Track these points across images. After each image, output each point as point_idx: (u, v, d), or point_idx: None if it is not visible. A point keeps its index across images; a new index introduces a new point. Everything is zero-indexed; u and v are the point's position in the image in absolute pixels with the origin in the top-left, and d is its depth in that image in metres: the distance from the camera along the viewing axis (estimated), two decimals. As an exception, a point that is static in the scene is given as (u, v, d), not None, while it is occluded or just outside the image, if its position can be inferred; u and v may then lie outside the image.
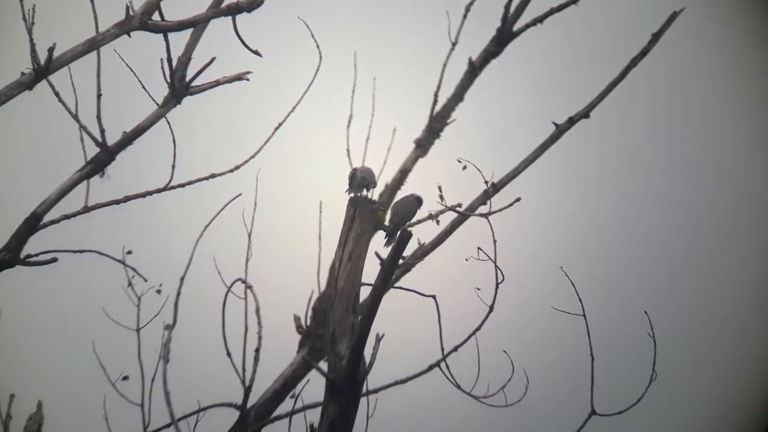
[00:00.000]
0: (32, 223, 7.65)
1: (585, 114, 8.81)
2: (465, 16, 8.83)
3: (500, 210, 7.74)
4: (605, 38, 9.58)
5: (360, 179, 6.95)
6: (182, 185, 7.98)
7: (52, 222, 7.73)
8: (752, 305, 8.99)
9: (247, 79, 8.18)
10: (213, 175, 8.04)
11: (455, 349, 7.27)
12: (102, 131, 7.86)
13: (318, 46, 8.14)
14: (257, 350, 6.54)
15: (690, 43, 9.43)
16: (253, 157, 8.03)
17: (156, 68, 7.92)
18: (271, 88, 8.58)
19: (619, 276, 9.17)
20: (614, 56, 8.94)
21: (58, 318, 8.43)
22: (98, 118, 7.86)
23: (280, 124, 8.10)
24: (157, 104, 8.01)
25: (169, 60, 7.90)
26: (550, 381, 7.99)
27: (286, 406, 8.25)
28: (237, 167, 8.04)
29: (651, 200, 9.67)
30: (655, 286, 9.13)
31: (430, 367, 7.46)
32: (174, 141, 7.94)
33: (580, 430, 7.37)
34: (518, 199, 7.83)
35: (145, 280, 7.49)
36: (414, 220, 8.30)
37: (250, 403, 6.64)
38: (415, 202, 7.97)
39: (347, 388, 6.48)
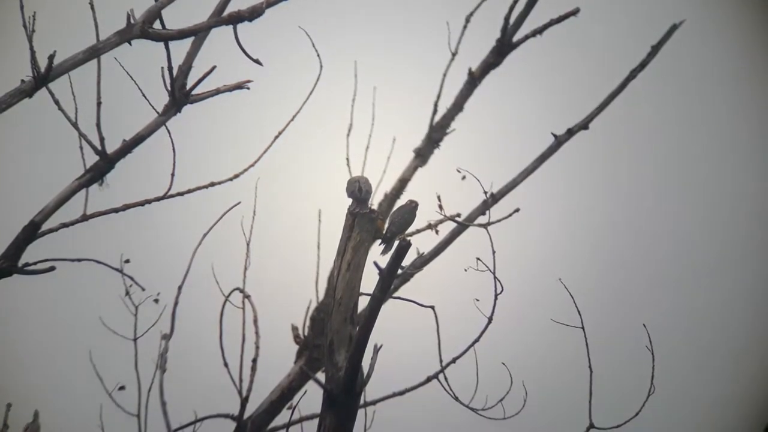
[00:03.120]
0: (30, 232, 7.63)
1: (584, 125, 8.83)
2: (465, 27, 8.85)
3: (499, 220, 7.74)
4: (605, 50, 9.59)
5: (365, 192, 6.95)
6: (181, 194, 7.96)
7: (51, 230, 7.70)
8: (752, 319, 8.99)
9: (248, 88, 8.17)
10: (212, 184, 8.02)
11: (454, 360, 7.25)
12: (101, 139, 7.85)
13: (318, 55, 8.14)
14: (254, 360, 6.51)
15: (690, 55, 9.45)
16: (252, 165, 8.01)
17: (156, 76, 7.91)
18: (272, 96, 8.59)
19: (618, 289, 9.17)
20: (614, 68, 8.96)
21: (55, 327, 8.42)
22: (98, 126, 7.84)
23: (279, 133, 8.09)
24: (157, 112, 8.00)
25: (170, 68, 7.89)
26: (548, 393, 7.98)
27: (283, 417, 8.25)
28: (236, 176, 8.02)
29: (651, 212, 9.68)
30: (654, 300, 9.13)
31: (429, 379, 7.44)
32: (173, 149, 7.93)
33: (578, 443, 7.36)
34: (517, 210, 7.83)
35: (143, 289, 7.48)
36: (413, 229, 8.30)
37: (246, 414, 6.60)
38: (413, 209, 7.97)
39: (345, 399, 6.46)
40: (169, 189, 7.93)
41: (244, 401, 6.53)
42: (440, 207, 7.49)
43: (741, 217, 9.45)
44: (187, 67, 8.07)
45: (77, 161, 7.85)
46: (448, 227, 8.53)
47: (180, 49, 8.01)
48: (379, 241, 8.05)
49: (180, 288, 6.62)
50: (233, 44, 7.84)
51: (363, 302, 6.76)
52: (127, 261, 7.66)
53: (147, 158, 8.03)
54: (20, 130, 8.35)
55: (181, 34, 7.81)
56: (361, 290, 6.73)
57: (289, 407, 8.05)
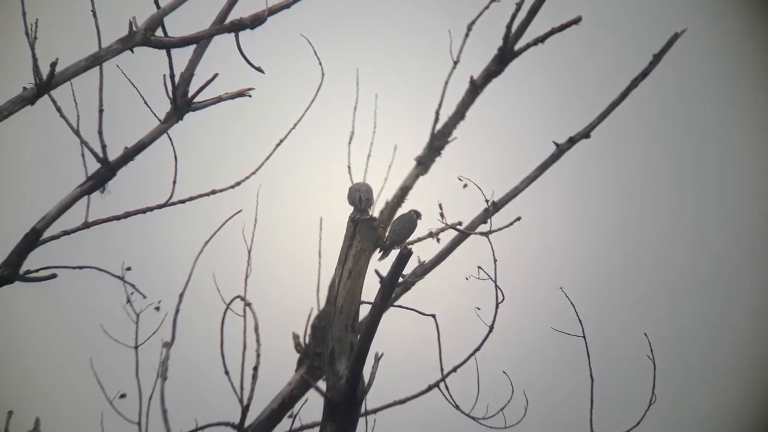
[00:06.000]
0: (32, 239, 7.63)
1: (585, 134, 8.83)
2: (467, 35, 8.85)
3: (501, 229, 7.75)
4: (606, 58, 9.61)
5: (365, 201, 6.97)
6: (183, 201, 7.97)
7: (52, 238, 7.71)
8: (752, 328, 8.98)
9: (250, 96, 8.19)
10: (213, 192, 8.03)
11: (455, 369, 7.25)
12: (103, 147, 7.86)
13: (320, 63, 8.16)
14: (255, 368, 6.51)
15: (692, 64, 9.46)
16: (254, 173, 8.02)
17: (158, 84, 7.93)
18: (273, 104, 8.60)
19: (620, 298, 9.17)
20: (615, 76, 8.96)
21: (56, 334, 8.43)
22: (100, 133, 7.85)
23: (281, 141, 8.10)
24: (159, 120, 8.01)
25: (172, 76, 7.90)
26: (549, 402, 7.97)
27: (284, 425, 8.24)
28: (238, 183, 8.04)
29: (652, 221, 9.68)
30: (655, 309, 9.13)
31: (430, 387, 7.44)
32: (175, 157, 7.95)
33: (578, 453, 7.35)
34: (519, 218, 7.84)
35: (144, 297, 7.48)
36: (414, 237, 8.30)
37: (247, 422, 6.60)
38: (413, 218, 7.97)
39: (346, 408, 6.46)
40: (171, 196, 7.94)
41: (245, 409, 6.53)
42: (441, 215, 7.50)
43: (742, 226, 9.45)
44: (189, 74, 8.08)
45: (79, 168, 7.87)
46: (449, 235, 8.53)
47: (182, 56, 8.04)
48: (380, 248, 8.06)
49: (181, 296, 6.62)
50: (235, 52, 7.86)
51: (364, 310, 6.76)
52: (129, 268, 7.67)
53: (148, 166, 8.05)
54: (22, 138, 8.36)
55: (183, 42, 7.83)
56: (363, 298, 6.73)
57: (290, 415, 8.04)
